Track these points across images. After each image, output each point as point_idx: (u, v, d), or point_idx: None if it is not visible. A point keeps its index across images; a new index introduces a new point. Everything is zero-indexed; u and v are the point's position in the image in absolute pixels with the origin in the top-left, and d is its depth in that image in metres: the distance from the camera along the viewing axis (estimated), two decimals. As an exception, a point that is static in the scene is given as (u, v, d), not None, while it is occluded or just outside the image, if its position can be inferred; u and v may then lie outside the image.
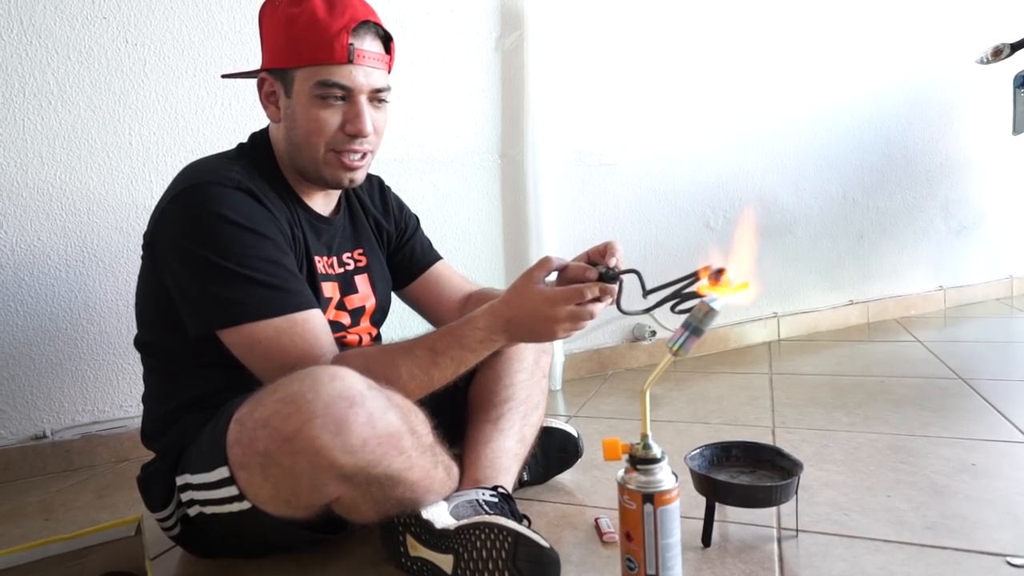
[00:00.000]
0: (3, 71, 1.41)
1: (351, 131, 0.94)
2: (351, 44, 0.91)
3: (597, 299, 0.86)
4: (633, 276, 0.87)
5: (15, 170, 1.44)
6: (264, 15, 0.97)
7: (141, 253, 0.99)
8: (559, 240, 1.94)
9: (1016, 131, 2.16)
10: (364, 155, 0.98)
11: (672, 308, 0.80)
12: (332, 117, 0.94)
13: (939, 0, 2.55)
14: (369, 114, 0.95)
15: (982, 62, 2.03)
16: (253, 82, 1.00)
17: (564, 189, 1.98)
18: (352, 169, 0.98)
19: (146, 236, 0.97)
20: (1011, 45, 1.96)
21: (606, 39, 2.00)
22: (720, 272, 0.75)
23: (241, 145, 1.04)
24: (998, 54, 1.98)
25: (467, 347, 0.90)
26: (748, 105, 2.25)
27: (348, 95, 0.93)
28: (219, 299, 0.87)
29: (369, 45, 0.94)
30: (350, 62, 0.91)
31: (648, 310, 0.84)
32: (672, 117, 2.12)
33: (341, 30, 0.90)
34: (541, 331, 0.88)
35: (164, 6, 1.51)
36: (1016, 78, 2.12)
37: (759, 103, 2.27)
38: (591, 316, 0.86)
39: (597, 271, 0.87)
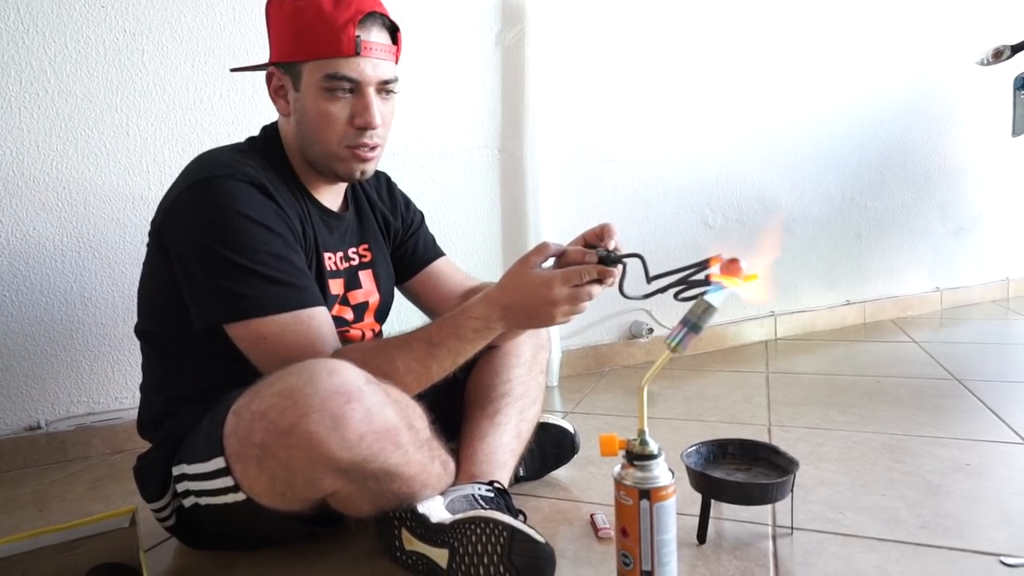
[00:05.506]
0: (0, 60, 1.40)
1: (360, 124, 0.94)
2: (358, 36, 0.90)
3: (597, 280, 0.84)
4: (635, 261, 0.85)
5: (11, 159, 1.43)
6: (271, 9, 0.96)
7: (147, 241, 0.99)
8: (557, 236, 1.92)
9: (1016, 133, 2.17)
10: (374, 147, 0.98)
11: (676, 295, 0.79)
12: (341, 110, 0.93)
13: (940, 1, 2.55)
14: (377, 106, 0.95)
15: (982, 64, 2.03)
16: (251, 74, 1.00)
17: (563, 185, 1.97)
18: (364, 161, 0.98)
19: (154, 224, 0.96)
20: (1011, 47, 1.96)
21: (607, 35, 1.99)
22: (733, 261, 0.74)
23: (252, 138, 1.03)
24: (998, 56, 1.98)
25: (463, 337, 0.89)
26: (748, 104, 2.25)
27: (356, 87, 0.93)
28: (228, 293, 0.87)
29: (376, 36, 0.93)
30: (357, 54, 0.91)
31: (650, 295, 0.83)
32: (673, 115, 2.12)
33: (347, 22, 0.90)
34: (539, 315, 0.86)
35: (163, -4, 1.51)
36: (1016, 80, 2.13)
37: (760, 102, 2.27)
38: (590, 297, 0.85)
39: (596, 254, 0.85)
